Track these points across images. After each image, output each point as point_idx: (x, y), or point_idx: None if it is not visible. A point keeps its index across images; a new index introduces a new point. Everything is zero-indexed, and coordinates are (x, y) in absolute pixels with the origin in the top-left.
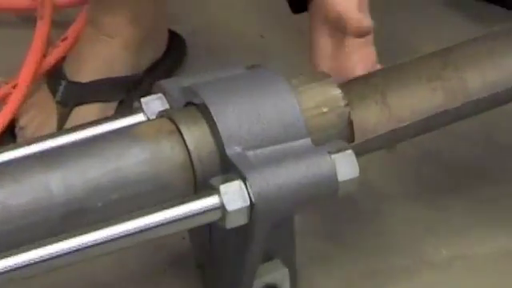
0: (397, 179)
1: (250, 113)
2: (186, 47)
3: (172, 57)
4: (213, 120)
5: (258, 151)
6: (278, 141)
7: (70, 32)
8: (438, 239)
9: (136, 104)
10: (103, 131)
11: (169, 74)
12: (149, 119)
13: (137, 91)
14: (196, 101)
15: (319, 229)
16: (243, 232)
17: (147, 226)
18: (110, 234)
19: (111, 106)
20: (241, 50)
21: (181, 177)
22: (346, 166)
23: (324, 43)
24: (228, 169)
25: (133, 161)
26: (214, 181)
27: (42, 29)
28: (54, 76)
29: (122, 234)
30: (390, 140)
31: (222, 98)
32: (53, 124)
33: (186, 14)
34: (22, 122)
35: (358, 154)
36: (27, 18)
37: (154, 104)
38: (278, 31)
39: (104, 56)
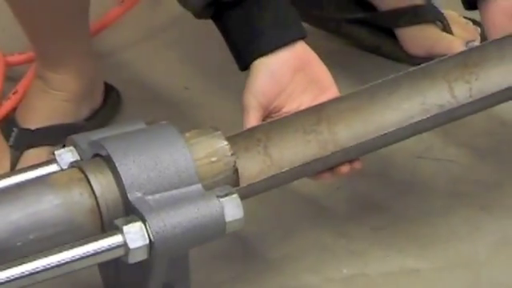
0: (306, 209)
1: (148, 163)
2: (121, 98)
3: (108, 107)
4: (116, 169)
5: (156, 196)
6: (174, 186)
7: (20, 86)
8: (339, 260)
9: (51, 156)
10: (23, 179)
11: (106, 121)
12: (62, 169)
13: None
14: (102, 153)
15: (234, 250)
16: (144, 266)
17: (60, 262)
18: (27, 269)
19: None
20: (168, 101)
21: (89, 219)
22: (232, 208)
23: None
24: (130, 211)
25: (48, 205)
26: (118, 222)
27: None
28: (6, 124)
29: (38, 270)
30: (271, 184)
31: (124, 150)
32: (6, 165)
33: (120, 69)
34: None
35: (243, 197)
36: None
37: (66, 156)
38: (200, 83)
39: (50, 107)
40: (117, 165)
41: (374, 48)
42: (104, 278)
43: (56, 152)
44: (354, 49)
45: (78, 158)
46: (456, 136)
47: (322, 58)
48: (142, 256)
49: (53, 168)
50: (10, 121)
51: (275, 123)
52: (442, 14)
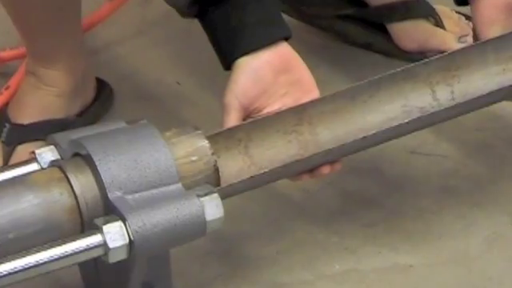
0: (298, 205)
1: (128, 162)
2: (114, 94)
3: (101, 102)
4: (96, 169)
5: (136, 195)
6: (154, 186)
7: (12, 82)
8: (331, 256)
9: (31, 155)
10: (3, 178)
11: (99, 116)
12: (42, 168)
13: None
14: (82, 152)
15: (226, 246)
16: (124, 265)
17: (40, 262)
18: (6, 268)
19: None
20: (160, 96)
21: (69, 218)
22: (212, 207)
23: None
24: (110, 211)
25: (27, 205)
26: (98, 221)
27: None
28: None
29: (17, 269)
30: (252, 184)
31: (104, 149)
32: None
33: (112, 65)
34: None
35: (223, 197)
36: None
37: (46, 155)
38: (192, 78)
39: (42, 102)
40: (97, 164)
41: (367, 44)
42: (84, 276)
43: (36, 151)
44: (346, 45)
45: (59, 156)
46: (449, 131)
47: (314, 55)
48: (121, 256)
49: (33, 167)
50: (1, 116)
51: (256, 123)
52: (434, 9)
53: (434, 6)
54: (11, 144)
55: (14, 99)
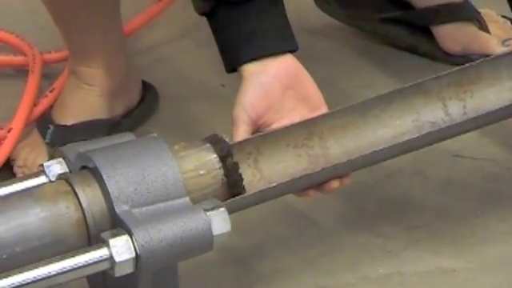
0: (340, 208)
1: (136, 175)
2: (159, 96)
3: (146, 104)
4: (104, 182)
5: (144, 209)
6: (161, 200)
7: (57, 84)
8: (375, 259)
9: (40, 167)
10: (11, 191)
11: (144, 118)
12: (50, 181)
13: (116, 131)
14: (90, 165)
15: (270, 247)
16: (131, 278)
17: (47, 275)
18: (13, 282)
19: None
20: (204, 98)
21: (76, 231)
22: (219, 221)
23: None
24: (117, 224)
25: (34, 218)
26: (104, 235)
27: (32, 81)
28: (43, 121)
29: (24, 283)
30: (261, 198)
31: (111, 162)
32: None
33: (156, 67)
34: (19, 162)
35: (232, 211)
36: (21, 72)
37: (54, 168)
38: (237, 81)
39: (84, 102)
40: (104, 177)
41: (411, 47)
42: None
43: (45, 164)
44: (390, 48)
45: (67, 169)
46: (492, 134)
47: (358, 58)
48: (127, 269)
49: (41, 180)
50: (46, 118)
51: (266, 137)
52: (479, 12)
53: (480, 10)
54: (55, 145)
55: (57, 100)
